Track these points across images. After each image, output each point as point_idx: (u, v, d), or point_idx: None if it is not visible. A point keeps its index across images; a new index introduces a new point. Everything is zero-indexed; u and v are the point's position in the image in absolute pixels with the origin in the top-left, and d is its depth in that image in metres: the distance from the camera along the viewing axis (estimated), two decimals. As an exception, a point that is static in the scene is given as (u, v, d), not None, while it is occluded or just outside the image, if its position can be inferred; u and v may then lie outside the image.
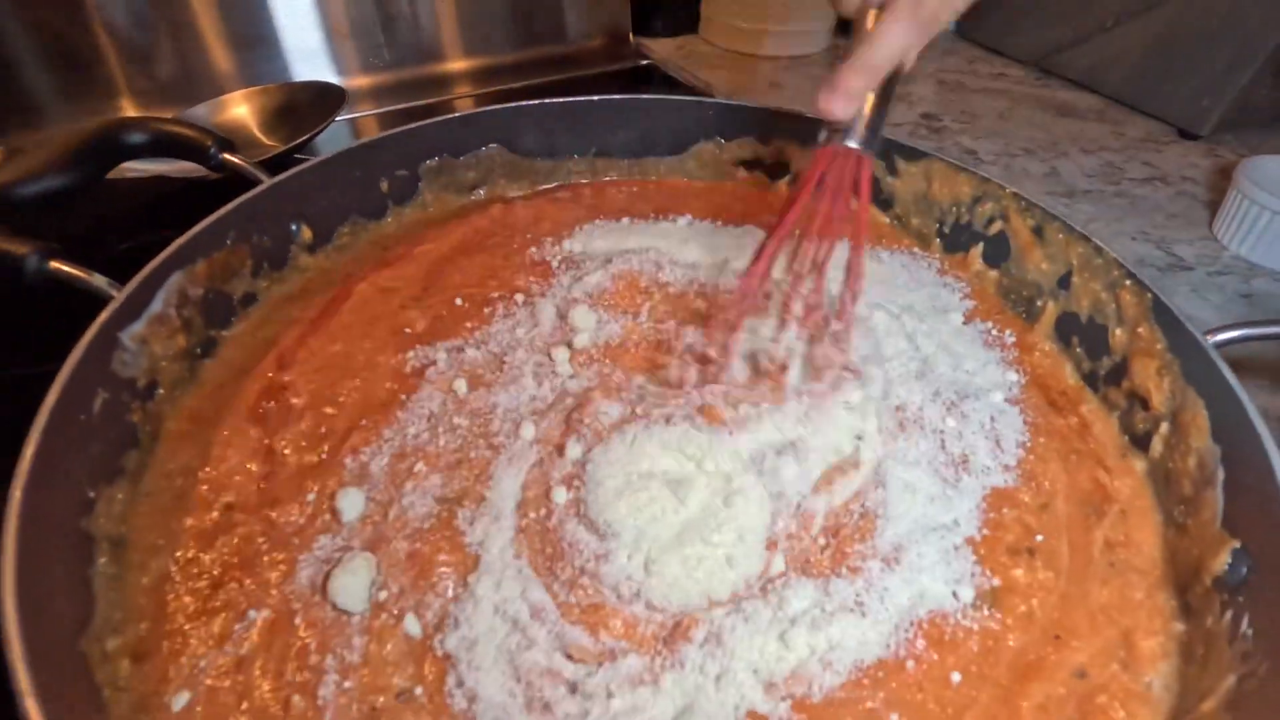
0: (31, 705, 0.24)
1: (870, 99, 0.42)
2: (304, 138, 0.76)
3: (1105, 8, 0.97)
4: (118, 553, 0.36)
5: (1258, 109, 0.90)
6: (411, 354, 0.48)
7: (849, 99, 0.40)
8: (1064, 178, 0.86)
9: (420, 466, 0.42)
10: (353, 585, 0.35)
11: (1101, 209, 0.80)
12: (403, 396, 0.46)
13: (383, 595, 0.36)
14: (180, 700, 0.31)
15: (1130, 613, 0.37)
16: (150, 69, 0.84)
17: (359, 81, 0.93)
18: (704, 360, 0.46)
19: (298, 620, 0.35)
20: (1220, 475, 0.36)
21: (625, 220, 0.61)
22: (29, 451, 0.32)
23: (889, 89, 0.42)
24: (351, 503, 0.39)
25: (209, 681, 0.32)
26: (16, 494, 0.30)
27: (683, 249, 0.56)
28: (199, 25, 0.85)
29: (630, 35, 1.12)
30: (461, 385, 0.46)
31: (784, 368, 0.45)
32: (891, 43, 0.39)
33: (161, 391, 0.43)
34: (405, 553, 0.38)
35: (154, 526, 0.38)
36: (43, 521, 0.31)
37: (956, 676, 0.35)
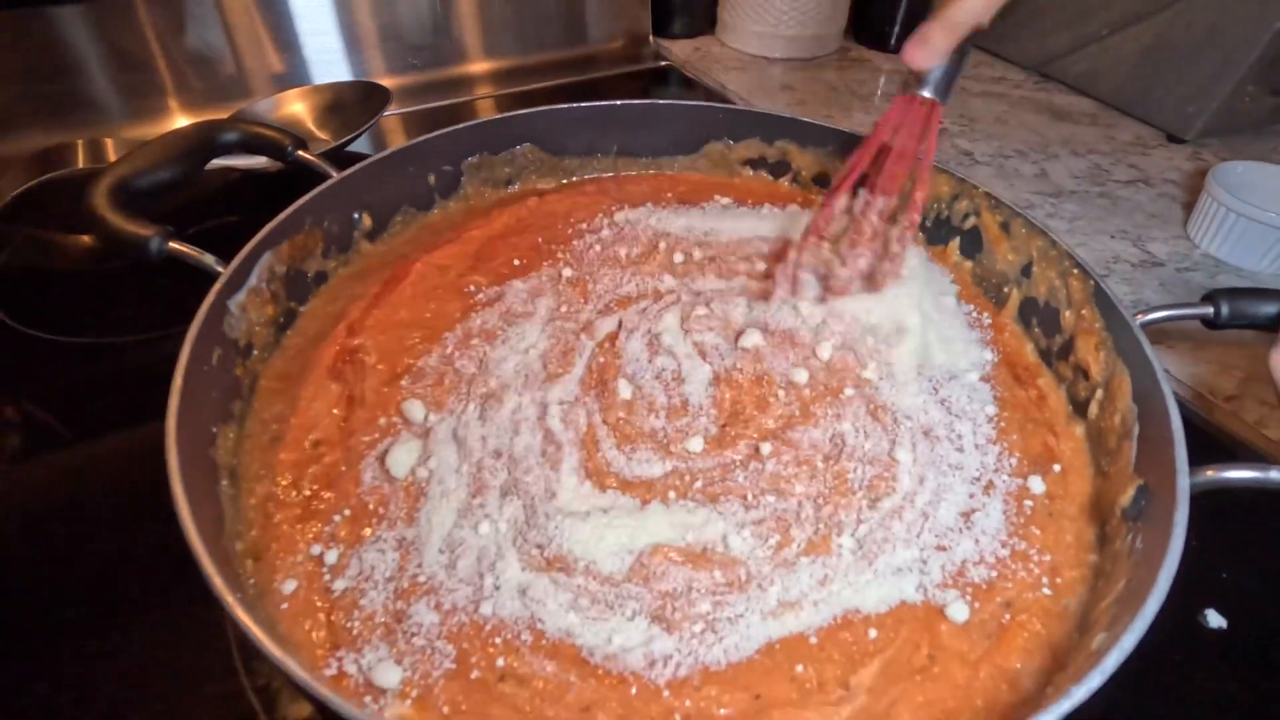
0: (211, 569, 0.32)
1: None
2: (355, 133, 0.84)
3: (1101, 18, 1.02)
4: (233, 479, 0.44)
5: (1240, 116, 0.96)
6: (481, 294, 0.58)
7: (932, 52, 0.47)
8: (1052, 178, 0.91)
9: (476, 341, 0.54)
10: (401, 457, 0.45)
11: (1086, 208, 0.86)
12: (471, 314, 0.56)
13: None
14: (289, 586, 0.40)
15: (1061, 551, 0.43)
16: (196, 73, 0.92)
17: (385, 83, 1.01)
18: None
19: (370, 505, 0.44)
20: (1136, 429, 0.44)
21: (663, 206, 0.69)
22: (177, 384, 0.40)
23: (965, 46, 0.48)
24: (415, 409, 0.49)
25: (309, 567, 0.41)
26: (171, 421, 0.38)
27: (737, 223, 0.65)
28: (239, 34, 0.93)
29: (650, 36, 1.18)
30: (568, 271, 0.60)
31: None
32: (974, 4, 0.45)
33: (256, 353, 0.52)
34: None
35: (256, 461, 0.46)
36: (185, 446, 0.39)
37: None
